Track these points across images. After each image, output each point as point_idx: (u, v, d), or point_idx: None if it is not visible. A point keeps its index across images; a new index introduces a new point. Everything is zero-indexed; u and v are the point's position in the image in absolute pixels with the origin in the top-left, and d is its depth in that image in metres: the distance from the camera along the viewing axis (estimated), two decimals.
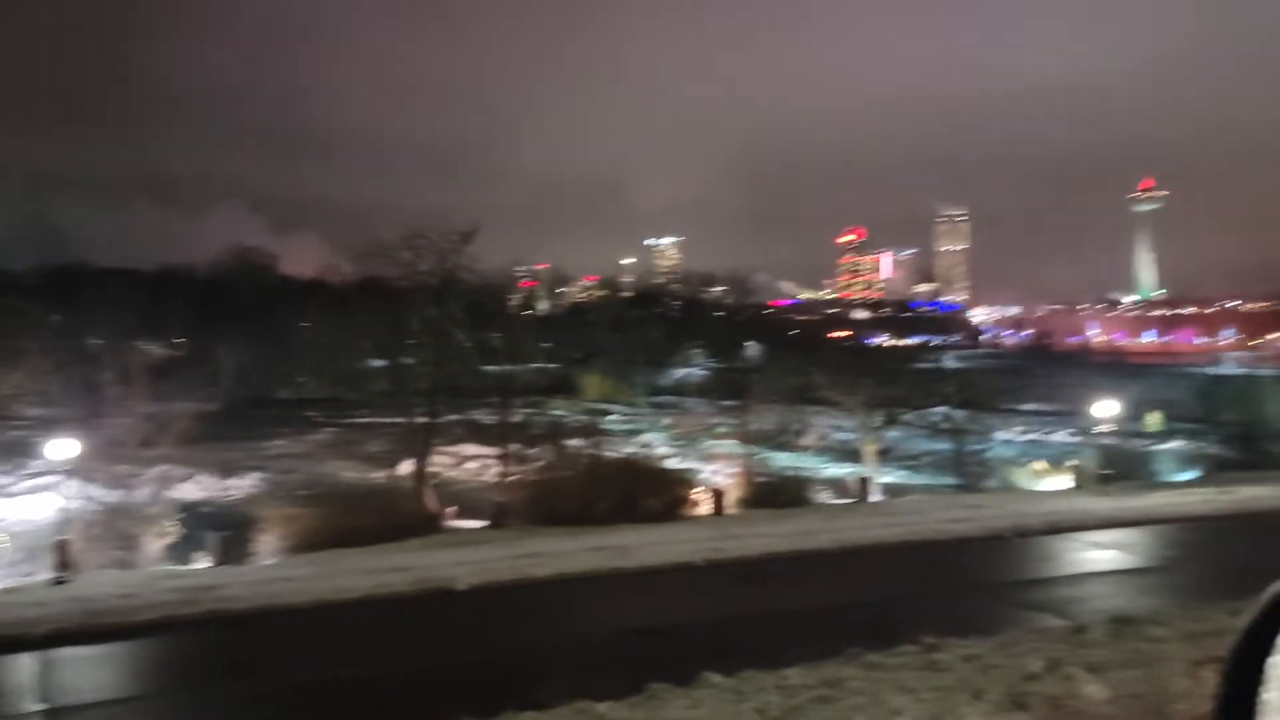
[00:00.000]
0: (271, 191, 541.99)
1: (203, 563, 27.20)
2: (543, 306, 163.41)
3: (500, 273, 55.57)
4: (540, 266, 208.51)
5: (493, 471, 35.79)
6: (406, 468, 35.97)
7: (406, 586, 19.82)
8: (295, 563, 24.47)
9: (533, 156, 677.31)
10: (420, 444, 34.62)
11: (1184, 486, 36.63)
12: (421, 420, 35.06)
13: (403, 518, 29.50)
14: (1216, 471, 42.55)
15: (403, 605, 18.87)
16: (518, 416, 35.58)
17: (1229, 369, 71.51)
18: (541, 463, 35.13)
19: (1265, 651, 1.11)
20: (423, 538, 26.74)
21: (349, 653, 15.71)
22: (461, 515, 34.15)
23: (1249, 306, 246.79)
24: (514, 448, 34.78)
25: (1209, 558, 22.03)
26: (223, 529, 29.94)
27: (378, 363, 38.48)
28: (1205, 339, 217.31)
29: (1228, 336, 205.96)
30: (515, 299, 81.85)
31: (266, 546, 30.25)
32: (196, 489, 42.96)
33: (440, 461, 37.38)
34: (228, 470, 48.47)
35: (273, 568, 24.48)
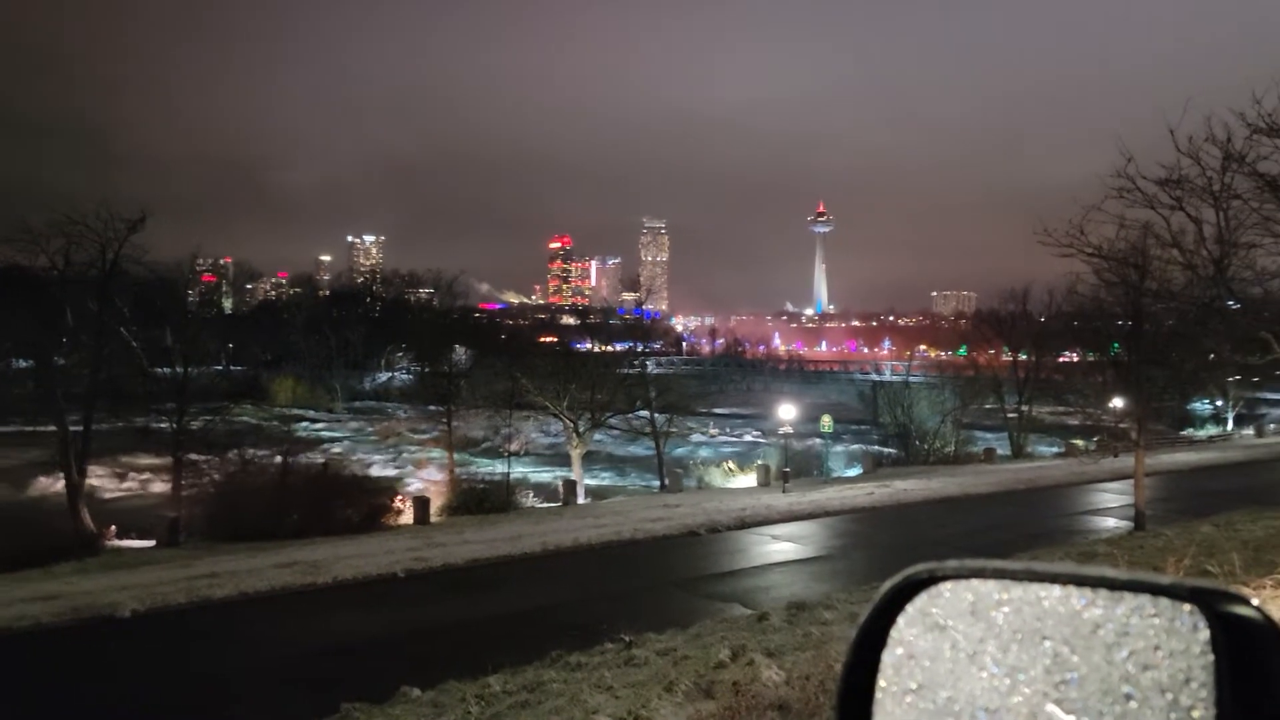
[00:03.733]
0: None
1: None
2: (227, 304, 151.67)
3: (175, 266, 50.61)
4: (225, 261, 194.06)
5: (165, 485, 32.54)
6: (56, 482, 31.79)
7: (55, 616, 17.53)
8: None
9: (217, 143, 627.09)
10: (74, 455, 30.73)
11: (851, 481, 40.77)
12: (76, 429, 31.18)
13: (50, 539, 26.08)
14: (877, 467, 47.86)
15: (51, 638, 16.54)
16: (195, 424, 32.46)
17: (887, 376, 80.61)
18: (223, 474, 32.28)
19: (880, 644, 1.02)
20: (77, 561, 23.86)
21: None
22: (126, 534, 30.65)
23: (904, 321, 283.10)
24: (190, 458, 31.69)
25: (870, 544, 24.69)
26: None
27: (21, 363, 33.86)
28: (867, 349, 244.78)
29: (886, 347, 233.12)
30: (194, 295, 75.15)
31: None
32: None
33: (99, 474, 33.50)
34: None
35: None
